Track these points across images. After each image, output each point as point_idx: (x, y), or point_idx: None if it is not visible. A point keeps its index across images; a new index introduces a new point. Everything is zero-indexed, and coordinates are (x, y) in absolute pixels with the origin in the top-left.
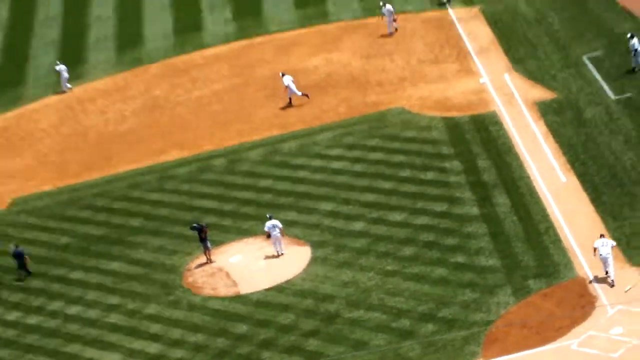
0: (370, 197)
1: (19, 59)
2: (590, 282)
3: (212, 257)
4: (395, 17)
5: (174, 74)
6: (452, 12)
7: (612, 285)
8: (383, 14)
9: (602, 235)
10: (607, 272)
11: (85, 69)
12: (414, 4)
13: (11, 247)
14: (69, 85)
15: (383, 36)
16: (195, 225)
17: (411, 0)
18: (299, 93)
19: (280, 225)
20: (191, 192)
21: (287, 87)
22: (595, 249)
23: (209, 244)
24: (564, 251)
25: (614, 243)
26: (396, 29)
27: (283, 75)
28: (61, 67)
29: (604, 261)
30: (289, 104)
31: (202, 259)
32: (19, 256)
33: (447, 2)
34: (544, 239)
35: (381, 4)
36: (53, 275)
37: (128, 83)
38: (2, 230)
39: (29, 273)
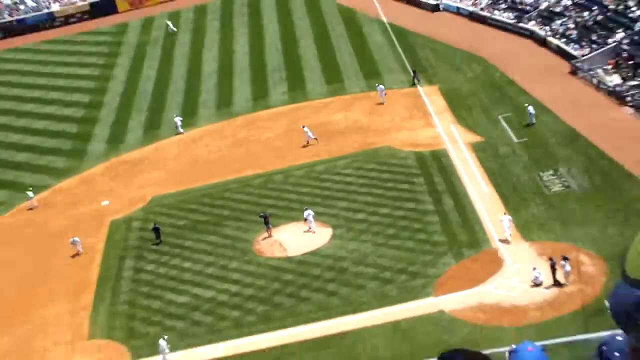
0: (368, 198)
1: (159, 112)
2: (499, 251)
3: (272, 234)
4: (385, 92)
5: (251, 124)
6: (421, 89)
7: (509, 242)
8: (377, 90)
9: (505, 213)
10: (506, 236)
11: (196, 119)
12: (397, 84)
13: (151, 225)
14: (182, 130)
15: (378, 103)
16: (261, 214)
17: (395, 81)
18: (313, 136)
19: (312, 213)
20: (260, 194)
21: (306, 132)
22: (501, 220)
23: (269, 226)
24: (484, 233)
25: (511, 218)
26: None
27: (303, 126)
28: (177, 119)
29: (505, 227)
30: (306, 144)
31: (265, 234)
32: (155, 230)
33: (417, 82)
34: (473, 225)
35: (377, 84)
36: (174, 243)
37: (223, 129)
38: (146, 216)
39: (160, 241)
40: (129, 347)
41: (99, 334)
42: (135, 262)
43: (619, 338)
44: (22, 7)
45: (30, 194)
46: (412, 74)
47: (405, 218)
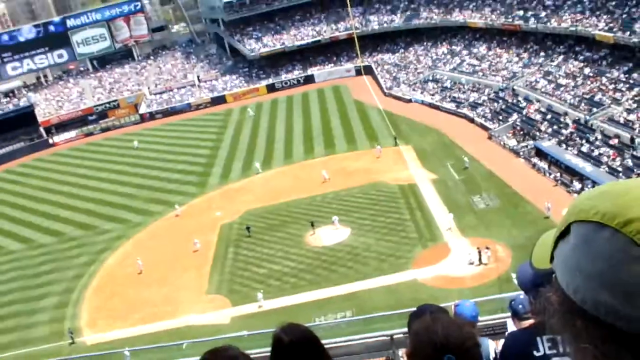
0: (371, 211)
1: (250, 160)
2: (449, 243)
3: (315, 232)
4: (381, 150)
5: (303, 167)
6: (401, 147)
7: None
8: (377, 148)
9: (450, 213)
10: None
11: (271, 164)
12: (387, 144)
13: (245, 225)
14: (260, 170)
15: (377, 157)
16: (311, 221)
17: (386, 143)
18: (327, 177)
19: (337, 218)
20: (308, 208)
21: (323, 174)
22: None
23: (314, 227)
24: (440, 232)
25: (452, 215)
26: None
27: (323, 170)
28: (257, 164)
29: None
30: (325, 180)
31: (312, 232)
32: (247, 229)
33: (396, 144)
34: (433, 228)
35: (376, 145)
36: (258, 237)
37: (287, 170)
38: (242, 221)
39: (250, 235)
40: (230, 299)
41: (212, 291)
42: (235, 249)
43: (522, 296)
44: (173, 100)
45: (177, 207)
46: (394, 139)
47: (393, 223)
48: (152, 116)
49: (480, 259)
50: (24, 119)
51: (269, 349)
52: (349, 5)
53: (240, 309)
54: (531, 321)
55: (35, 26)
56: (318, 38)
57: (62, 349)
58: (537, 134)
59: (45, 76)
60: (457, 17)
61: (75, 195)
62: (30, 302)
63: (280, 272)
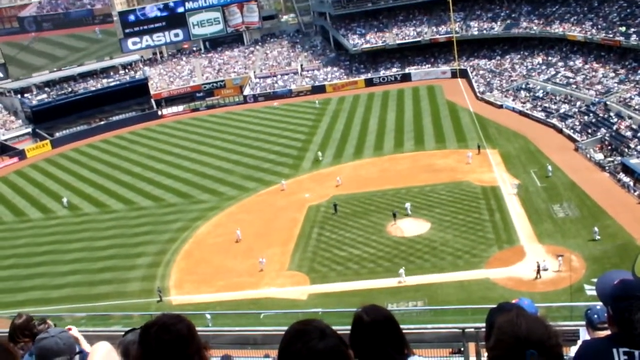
0: (452, 208)
1: (341, 149)
2: (524, 247)
3: (396, 222)
4: (471, 155)
5: (391, 160)
6: (489, 152)
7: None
8: (467, 156)
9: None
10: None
11: (362, 155)
12: (474, 146)
13: (333, 203)
14: (321, 159)
15: (465, 158)
16: (394, 212)
17: (473, 145)
18: (340, 182)
19: (409, 205)
20: (393, 199)
21: (337, 180)
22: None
23: (395, 218)
24: (517, 235)
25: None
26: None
27: (338, 177)
28: (318, 153)
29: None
30: (338, 184)
31: (393, 223)
32: (334, 206)
33: (480, 148)
34: (510, 230)
35: (468, 153)
36: (342, 222)
37: (376, 161)
38: (329, 205)
39: (335, 212)
40: (309, 277)
41: (294, 267)
42: (319, 229)
43: (598, 307)
44: (276, 85)
45: (283, 181)
46: (477, 147)
47: (472, 222)
48: (255, 98)
49: (553, 267)
50: (138, 91)
51: (343, 327)
52: (451, 9)
53: (318, 287)
54: (606, 332)
55: (158, 7)
56: (418, 39)
57: (150, 305)
58: (626, 150)
59: (160, 52)
60: (557, 29)
61: (177, 165)
62: (128, 258)
63: (359, 256)
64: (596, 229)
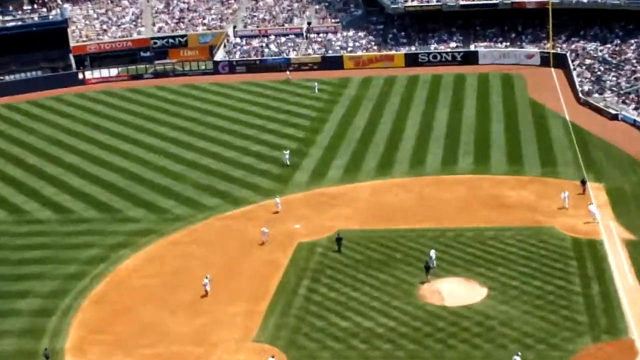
0: (524, 269)
1: (360, 158)
2: (637, 342)
3: (430, 280)
4: (567, 196)
5: (436, 184)
6: (589, 187)
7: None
8: (562, 197)
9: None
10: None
11: (392, 171)
12: (569, 176)
13: (337, 234)
14: (288, 163)
15: (560, 207)
16: (427, 263)
17: (567, 173)
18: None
19: (434, 253)
20: (431, 246)
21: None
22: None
23: (429, 273)
24: (624, 322)
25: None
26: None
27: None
28: (286, 152)
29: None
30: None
31: (426, 279)
32: (338, 240)
33: (585, 185)
34: (615, 313)
35: (563, 193)
36: (348, 273)
37: (411, 183)
38: (330, 245)
39: (340, 252)
40: (288, 356)
41: (265, 338)
42: (310, 282)
43: None
44: (266, 50)
45: (278, 199)
46: (582, 182)
47: (553, 294)
48: (232, 67)
49: None
50: (51, 39)
51: None
52: None
53: None
54: None
55: None
56: (494, 0)
57: None
58: None
59: None
60: None
61: (98, 159)
62: (2, 299)
63: (371, 331)
64: None
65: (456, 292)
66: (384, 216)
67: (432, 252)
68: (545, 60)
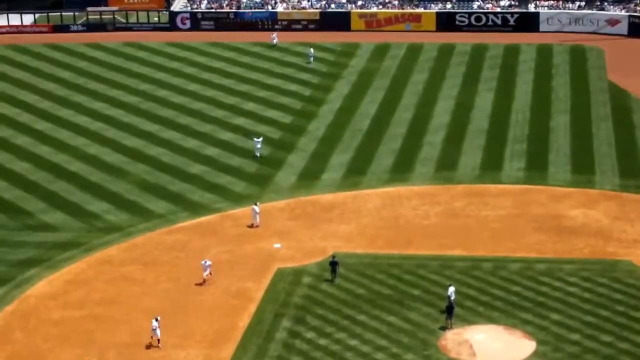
0: (589, 318)
1: (369, 156)
2: None
3: (452, 326)
4: None
5: (472, 196)
6: None
7: None
8: None
9: None
10: None
11: (411, 176)
12: None
13: (332, 258)
14: (258, 154)
15: (634, 211)
16: (449, 305)
17: None
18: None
19: (454, 290)
20: (461, 280)
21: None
22: None
23: (451, 316)
24: None
25: None
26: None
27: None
28: (257, 140)
29: None
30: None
31: (456, 330)
32: (333, 265)
33: None
34: None
35: None
36: (345, 313)
37: (438, 193)
38: (321, 273)
39: (334, 279)
40: None
41: None
42: (293, 324)
43: None
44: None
45: (257, 206)
46: None
47: (629, 354)
48: (195, 22)
49: None
50: None
51: None
52: None
53: None
54: None
55: None
56: None
57: None
58: None
59: None
60: None
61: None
62: None
63: None
64: None
65: (492, 345)
66: (399, 237)
67: (451, 290)
68: (635, 28)
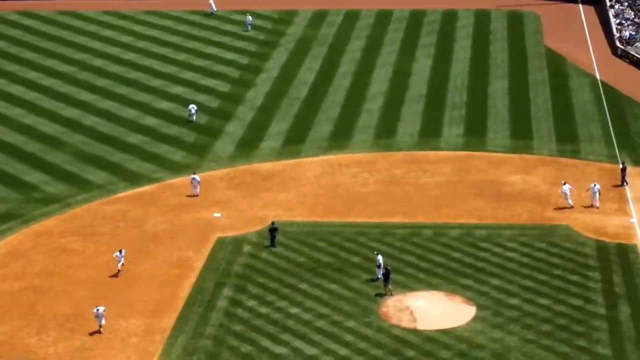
0: (528, 282)
1: (307, 123)
2: None
3: (391, 293)
4: (598, 190)
5: (411, 162)
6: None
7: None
8: (591, 190)
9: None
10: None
11: (350, 143)
12: (595, 156)
13: (271, 224)
14: (193, 120)
15: (570, 175)
16: (386, 268)
17: (593, 152)
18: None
19: (382, 258)
20: (401, 248)
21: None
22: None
23: (388, 283)
24: None
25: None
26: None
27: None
28: (192, 107)
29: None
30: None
31: (397, 297)
32: (272, 231)
33: (625, 184)
34: None
35: (595, 186)
36: (286, 282)
37: (377, 161)
38: (261, 241)
39: (274, 247)
40: None
41: None
42: (234, 292)
43: None
44: None
45: (195, 175)
46: (621, 169)
47: (566, 316)
48: None
49: None
50: None
51: None
52: None
53: None
54: None
55: None
56: None
57: None
58: None
59: None
60: None
61: None
62: None
63: (315, 359)
64: None
65: (433, 311)
66: (338, 205)
67: (380, 258)
68: None
